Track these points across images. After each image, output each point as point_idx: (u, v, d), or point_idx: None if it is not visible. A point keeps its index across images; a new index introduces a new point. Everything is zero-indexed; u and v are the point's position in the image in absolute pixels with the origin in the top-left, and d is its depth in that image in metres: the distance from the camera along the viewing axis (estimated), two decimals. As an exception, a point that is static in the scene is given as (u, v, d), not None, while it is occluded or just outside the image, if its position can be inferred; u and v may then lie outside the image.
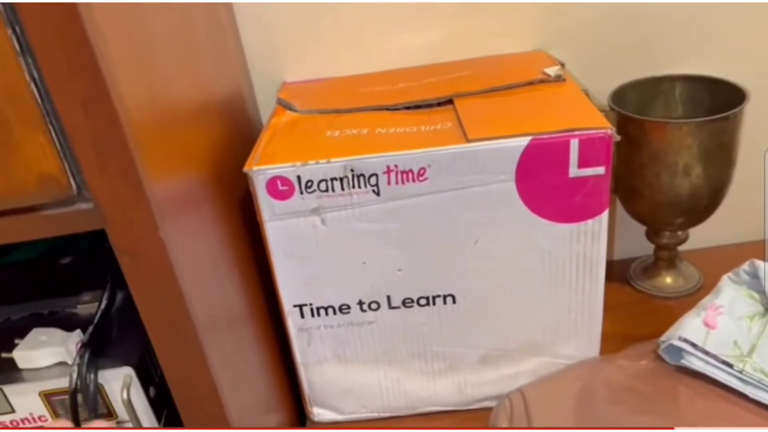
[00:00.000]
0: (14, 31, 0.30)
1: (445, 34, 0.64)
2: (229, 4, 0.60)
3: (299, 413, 0.60)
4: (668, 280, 0.68)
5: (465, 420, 0.57)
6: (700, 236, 0.69)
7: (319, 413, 0.59)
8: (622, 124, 0.60)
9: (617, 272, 0.72)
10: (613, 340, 0.59)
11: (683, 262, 0.70)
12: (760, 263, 0.55)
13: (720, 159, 0.59)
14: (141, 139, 0.34)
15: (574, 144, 0.46)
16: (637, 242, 0.70)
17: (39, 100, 0.31)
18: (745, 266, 0.55)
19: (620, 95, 0.62)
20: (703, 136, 0.57)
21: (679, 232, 0.66)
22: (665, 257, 0.68)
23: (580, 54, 0.65)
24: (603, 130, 0.46)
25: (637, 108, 0.62)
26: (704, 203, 0.61)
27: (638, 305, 0.67)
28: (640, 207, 0.63)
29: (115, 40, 0.33)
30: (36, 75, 0.31)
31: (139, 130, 0.34)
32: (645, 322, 0.63)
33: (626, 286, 0.70)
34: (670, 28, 0.64)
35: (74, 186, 0.33)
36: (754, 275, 0.55)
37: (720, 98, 0.59)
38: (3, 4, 0.29)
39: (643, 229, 0.67)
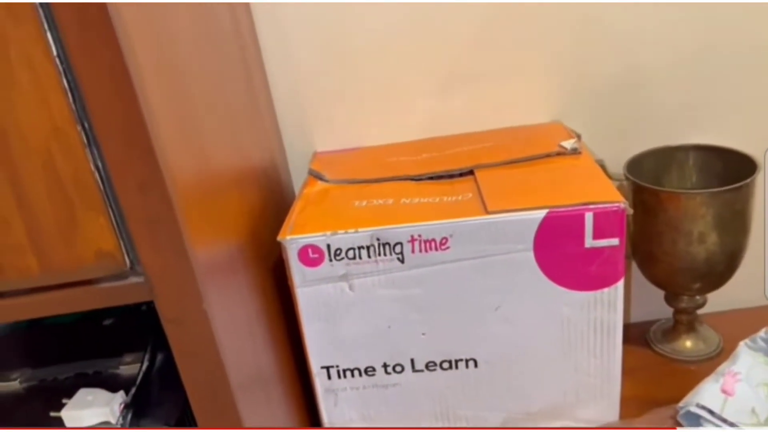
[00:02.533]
0: (83, 126, 0.34)
1: (466, 105, 0.68)
2: (265, 80, 0.65)
3: (325, 472, 0.62)
4: (688, 343, 0.69)
5: (487, 482, 0.58)
6: (720, 300, 0.70)
7: (344, 473, 0.60)
8: (638, 192, 0.62)
9: (637, 335, 0.73)
10: (634, 403, 0.60)
11: (703, 326, 0.71)
12: (776, 331, 0.56)
13: (734, 226, 0.60)
14: (189, 216, 0.37)
15: (589, 217, 0.48)
16: (656, 305, 0.71)
17: (101, 186, 0.35)
18: (762, 333, 0.57)
19: (636, 164, 0.64)
20: (716, 206, 0.59)
21: (698, 297, 0.67)
22: (684, 321, 0.69)
23: (597, 124, 0.68)
24: (616, 204, 0.48)
25: (652, 176, 0.65)
26: (720, 269, 0.63)
27: (658, 368, 0.68)
28: (657, 272, 0.65)
29: (168, 126, 0.36)
30: (100, 164, 0.34)
31: (187, 207, 0.38)
32: (665, 385, 0.64)
33: (646, 349, 0.71)
34: (684, 99, 0.67)
35: (128, 261, 0.36)
36: (771, 342, 0.56)
37: (732, 167, 0.62)
38: (75, 103, 0.33)
39: (662, 292, 0.69)
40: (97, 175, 0.35)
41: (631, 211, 0.49)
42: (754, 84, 0.66)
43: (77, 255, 0.36)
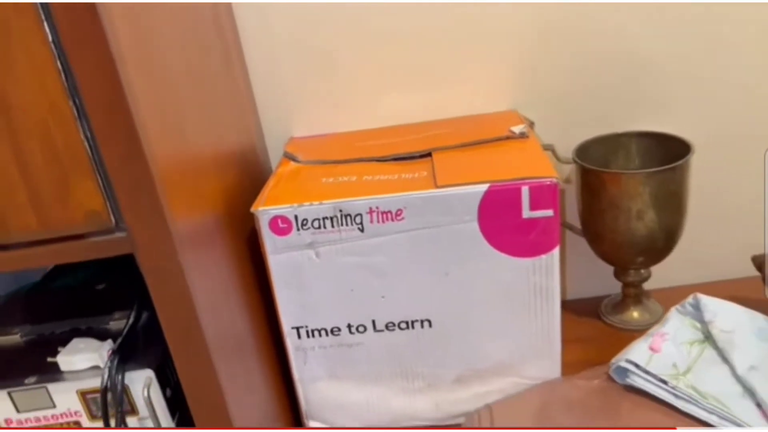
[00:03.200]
0: (74, 102, 0.40)
1: (429, 96, 0.74)
2: (245, 70, 0.71)
3: (297, 425, 0.68)
4: (635, 314, 0.75)
5: (443, 434, 0.64)
6: (663, 277, 0.76)
7: (314, 426, 0.66)
8: (584, 175, 0.68)
9: (589, 309, 0.79)
10: (580, 366, 0.66)
11: (650, 299, 0.77)
12: (702, 296, 0.62)
13: (669, 205, 0.67)
14: (167, 184, 0.44)
15: (525, 190, 0.55)
16: (607, 280, 0.77)
17: (90, 154, 0.41)
18: (690, 299, 0.63)
19: (584, 150, 0.71)
20: (652, 185, 0.65)
21: (642, 270, 0.73)
22: (632, 294, 0.76)
23: (551, 114, 0.74)
24: (550, 179, 0.54)
25: (601, 161, 0.71)
26: (659, 245, 0.69)
27: (607, 337, 0.74)
28: (604, 248, 0.71)
29: (148, 104, 0.43)
30: (89, 135, 0.41)
31: (166, 176, 0.44)
32: (612, 351, 0.70)
33: (597, 321, 0.77)
34: (630, 90, 0.73)
35: (113, 219, 0.43)
36: (697, 307, 0.62)
37: (671, 152, 0.68)
38: (67, 81, 0.39)
39: (611, 269, 0.75)
40: (86, 144, 0.41)
41: (563, 186, 0.55)
42: (694, 76, 0.72)
43: (70, 213, 0.42)
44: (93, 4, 0.38)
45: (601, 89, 0.73)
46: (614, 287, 0.77)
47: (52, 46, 0.38)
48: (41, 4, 0.37)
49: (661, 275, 0.76)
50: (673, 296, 0.77)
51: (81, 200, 0.42)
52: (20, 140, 0.40)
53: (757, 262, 0.68)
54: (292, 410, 0.68)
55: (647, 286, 0.76)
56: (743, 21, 0.70)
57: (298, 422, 0.67)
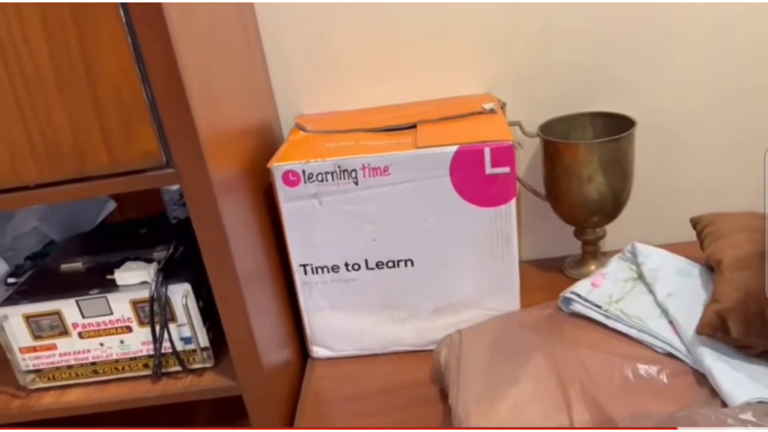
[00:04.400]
0: (140, 68, 0.54)
1: (418, 81, 0.87)
2: (264, 58, 0.85)
3: (303, 350, 0.82)
4: (593, 267, 0.88)
5: (423, 357, 0.77)
6: (617, 239, 0.89)
7: (317, 351, 0.80)
8: (546, 146, 0.82)
9: (555, 266, 0.92)
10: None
11: (606, 255, 0.90)
12: (638, 245, 0.75)
13: (616, 171, 0.80)
14: (205, 136, 0.57)
15: (487, 151, 0.68)
16: (569, 243, 0.90)
17: (149, 107, 0.55)
18: (629, 247, 0.76)
19: (548, 127, 0.84)
20: (599, 153, 0.78)
21: (597, 230, 0.86)
22: (590, 251, 0.89)
23: (523, 95, 0.87)
24: (507, 142, 0.68)
25: (562, 136, 0.84)
26: (609, 207, 0.82)
27: (567, 286, 0.86)
28: (562, 209, 0.85)
29: (193, 76, 0.57)
30: (150, 93, 0.55)
31: (205, 131, 0.58)
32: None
33: (561, 275, 0.90)
34: (587, 75, 0.86)
35: (164, 158, 0.56)
36: (633, 253, 0.75)
37: (620, 128, 0.81)
38: (135, 52, 0.53)
39: (572, 230, 0.88)
40: (147, 100, 0.55)
41: (519, 147, 0.68)
42: (645, 61, 0.85)
43: (132, 152, 0.56)
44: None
45: (564, 74, 0.87)
46: (576, 248, 0.90)
47: (125, 26, 0.53)
48: (120, -5, 0.52)
49: (615, 238, 0.89)
50: (625, 254, 0.90)
51: (141, 143, 0.56)
52: (99, 93, 0.54)
53: (694, 222, 0.81)
54: (299, 336, 0.81)
55: (604, 247, 0.90)
56: (698, 11, 0.82)
57: (304, 346, 0.81)
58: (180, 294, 0.64)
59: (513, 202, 0.70)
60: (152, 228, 0.78)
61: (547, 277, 0.91)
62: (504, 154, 0.68)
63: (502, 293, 0.75)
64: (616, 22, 0.83)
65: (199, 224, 0.59)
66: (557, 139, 0.80)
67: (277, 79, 0.88)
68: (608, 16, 0.83)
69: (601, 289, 0.71)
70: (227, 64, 0.69)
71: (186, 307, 0.64)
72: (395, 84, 0.88)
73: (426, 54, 0.86)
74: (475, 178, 0.70)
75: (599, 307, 0.68)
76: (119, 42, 0.53)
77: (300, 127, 0.82)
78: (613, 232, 0.89)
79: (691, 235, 0.79)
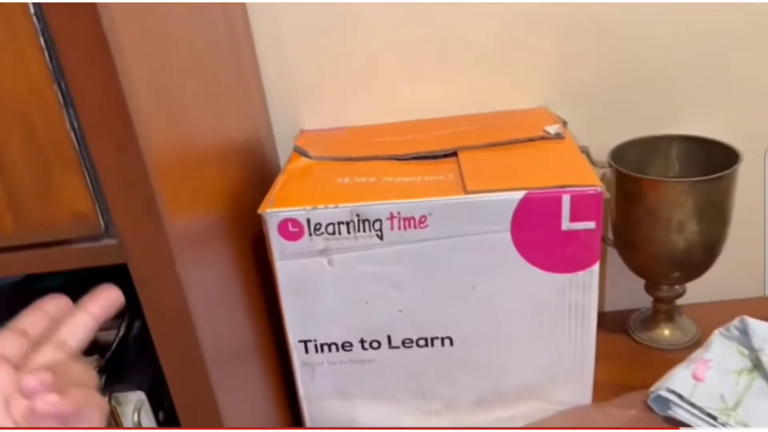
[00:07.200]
0: (59, 86, 0.34)
1: (454, 89, 0.68)
2: (255, 59, 0.65)
3: (300, 446, 0.63)
4: (666, 332, 0.70)
5: (460, 460, 0.59)
6: (699, 291, 0.71)
7: (319, 447, 0.61)
8: (620, 180, 0.63)
9: (616, 323, 0.73)
10: (608, 389, 0.61)
11: (682, 316, 0.71)
12: (750, 320, 0.57)
13: (714, 217, 0.61)
14: (164, 181, 0.38)
15: (566, 199, 0.49)
16: (636, 294, 0.71)
17: (77, 147, 0.35)
18: (736, 322, 0.57)
19: (620, 152, 0.65)
20: (696, 195, 0.59)
21: (677, 286, 0.68)
22: (663, 310, 0.70)
23: (584, 112, 0.68)
24: (593, 187, 0.49)
25: (636, 165, 0.65)
26: (699, 259, 0.63)
27: (635, 356, 0.69)
28: (637, 260, 0.66)
29: (146, 90, 0.37)
30: (76, 125, 0.35)
31: (163, 172, 0.38)
32: (641, 372, 0.65)
33: (625, 337, 0.72)
34: (671, 89, 0.67)
35: (102, 223, 0.37)
36: (744, 331, 0.56)
37: (715, 158, 0.62)
38: (51, 62, 0.33)
39: (642, 280, 0.69)
40: (73, 135, 0.35)
41: (608, 195, 0.49)
42: (742, 77, 0.67)
43: (53, 215, 0.36)
44: (83, -28, 0.32)
45: (638, 87, 0.68)
46: (644, 300, 0.72)
47: (35, 19, 0.33)
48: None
49: (694, 289, 0.70)
50: (707, 312, 0.72)
51: (66, 200, 0.36)
52: (-6, 128, 0.35)
53: None
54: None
55: (679, 299, 0.71)
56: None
57: (302, 442, 0.62)
58: (131, 405, 0.45)
59: (596, 268, 0.52)
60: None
61: (609, 339, 0.71)
62: (589, 204, 0.49)
63: (570, 382, 0.56)
64: (716, 19, 0.64)
65: (154, 319, 0.39)
66: (641, 175, 0.61)
67: (271, 84, 0.67)
68: (707, 10, 0.64)
69: (707, 384, 0.53)
70: (203, 74, 0.50)
71: (138, 424, 0.45)
72: (422, 91, 0.68)
73: (462, 53, 0.66)
74: (545, 235, 0.50)
75: (713, 417, 0.50)
76: (25, 45, 0.33)
77: (300, 152, 0.62)
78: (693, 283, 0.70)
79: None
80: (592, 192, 0.49)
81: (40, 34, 0.33)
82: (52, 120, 0.34)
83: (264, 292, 0.56)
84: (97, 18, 0.32)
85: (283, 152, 0.70)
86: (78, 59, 0.33)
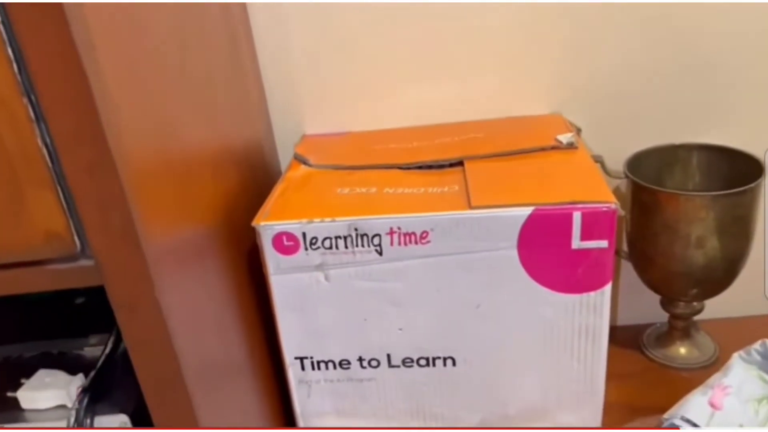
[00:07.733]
0: (29, 99, 0.32)
1: (461, 93, 0.65)
2: (255, 61, 0.63)
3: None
4: (682, 350, 0.67)
5: (462, 483, 0.56)
6: (719, 306, 0.67)
7: (316, 465, 0.59)
8: (637, 192, 0.59)
9: (629, 338, 0.70)
10: (619, 410, 0.58)
11: (699, 332, 0.68)
12: (772, 344, 0.53)
13: (736, 232, 0.58)
14: (145, 199, 0.35)
15: (577, 216, 0.46)
16: (651, 307, 0.68)
17: (49, 163, 0.33)
18: (757, 345, 0.54)
19: (637, 162, 0.62)
20: (718, 210, 0.56)
21: (695, 303, 0.64)
22: (680, 326, 0.67)
23: (599, 118, 0.65)
24: (607, 204, 0.46)
25: (654, 175, 0.62)
26: (719, 276, 0.60)
27: (649, 374, 0.65)
28: (652, 275, 0.63)
29: (126, 102, 0.35)
30: (48, 140, 0.33)
31: (144, 189, 0.36)
32: (654, 392, 0.62)
33: (638, 354, 0.69)
34: (691, 96, 0.64)
35: (78, 243, 0.35)
36: (766, 356, 0.53)
37: (738, 169, 0.59)
38: (20, 74, 0.31)
39: (657, 297, 0.66)
40: (45, 151, 0.33)
41: (623, 213, 0.46)
42: (764, 85, 0.63)
43: (25, 234, 0.34)
44: (53, -24, 0.29)
45: (657, 92, 0.64)
46: (659, 315, 0.69)
47: (1, 27, 0.30)
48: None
49: (713, 304, 0.67)
50: (727, 329, 0.68)
51: (38, 219, 0.34)
52: (-41, 142, 0.32)
53: None
54: (292, 447, 0.60)
55: (697, 315, 0.68)
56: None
57: (299, 461, 0.60)
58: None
59: (607, 288, 0.49)
60: (93, 296, 0.56)
61: (621, 356, 0.68)
62: (601, 222, 0.46)
63: (579, 406, 0.54)
64: (742, 20, 0.61)
65: (134, 345, 0.37)
66: (659, 188, 0.58)
67: (273, 90, 0.65)
68: (731, 12, 0.60)
69: (725, 413, 0.50)
70: (197, 79, 0.47)
71: (121, 449, 0.43)
72: (427, 95, 0.65)
73: (469, 54, 0.63)
74: (554, 254, 0.48)
75: (731, 449, 0.47)
76: (-9, 55, 0.31)
77: (300, 159, 0.59)
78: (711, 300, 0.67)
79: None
80: (605, 209, 0.46)
81: (7, 43, 0.31)
82: (22, 135, 0.32)
83: (259, 306, 0.54)
84: (65, 24, 0.30)
85: (285, 158, 0.68)
86: (48, 70, 0.31)
